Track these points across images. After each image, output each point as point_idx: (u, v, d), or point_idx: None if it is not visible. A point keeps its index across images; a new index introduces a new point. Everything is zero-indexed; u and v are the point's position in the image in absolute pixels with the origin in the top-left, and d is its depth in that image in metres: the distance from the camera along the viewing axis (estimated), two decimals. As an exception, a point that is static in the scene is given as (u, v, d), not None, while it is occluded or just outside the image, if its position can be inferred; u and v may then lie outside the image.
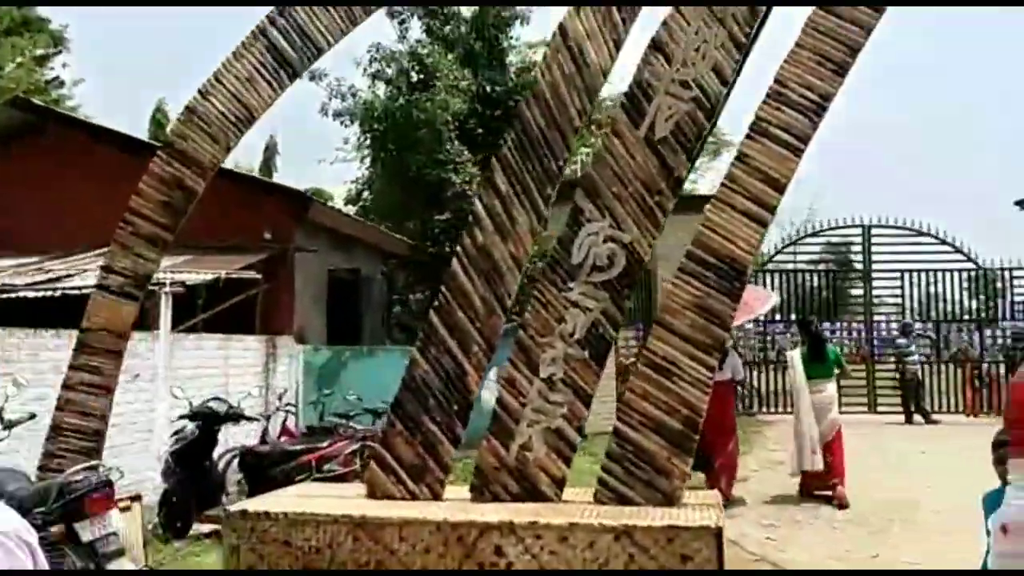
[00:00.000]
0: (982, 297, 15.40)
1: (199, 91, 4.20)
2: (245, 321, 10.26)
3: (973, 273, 15.08)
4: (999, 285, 15.21)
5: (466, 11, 20.69)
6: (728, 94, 3.85)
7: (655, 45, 3.65)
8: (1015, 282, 14.89)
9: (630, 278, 3.62)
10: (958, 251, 15.04)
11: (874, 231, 15.22)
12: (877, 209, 15.34)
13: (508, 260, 3.68)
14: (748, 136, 3.56)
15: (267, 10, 4.04)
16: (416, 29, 19.15)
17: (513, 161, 3.71)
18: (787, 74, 3.56)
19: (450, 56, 18.24)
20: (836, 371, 8.28)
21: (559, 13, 3.78)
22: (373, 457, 3.82)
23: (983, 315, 15.91)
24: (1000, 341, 15.46)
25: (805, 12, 3.60)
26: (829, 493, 7.57)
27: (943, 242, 15.05)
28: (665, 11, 3.66)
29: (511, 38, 21.15)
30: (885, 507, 7.16)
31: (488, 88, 19.69)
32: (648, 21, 3.72)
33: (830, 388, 8.14)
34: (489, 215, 3.71)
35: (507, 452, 3.61)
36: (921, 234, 15.08)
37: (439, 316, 3.73)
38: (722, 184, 3.58)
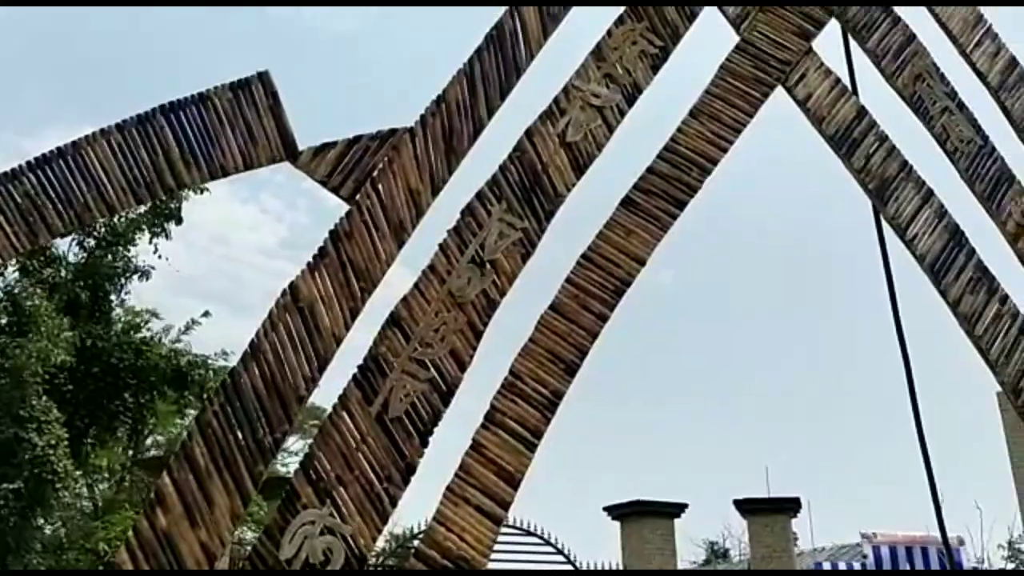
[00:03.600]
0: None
1: None
2: None
3: None
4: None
5: (73, 256, 19.13)
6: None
7: (393, 320, 3.45)
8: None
9: (348, 579, 3.07)
10: (559, 552, 15.93)
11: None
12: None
13: (198, 553, 2.94)
14: (483, 426, 3.40)
15: None
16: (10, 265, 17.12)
17: (218, 429, 3.10)
18: (521, 368, 3.54)
19: (49, 302, 16.44)
20: None
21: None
22: None
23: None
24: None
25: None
26: None
27: (546, 542, 15.88)
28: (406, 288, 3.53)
29: (122, 292, 19.81)
30: None
31: (90, 342, 17.91)
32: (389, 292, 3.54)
33: None
34: (179, 493, 2.99)
35: None
36: (528, 533, 15.81)
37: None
38: (455, 475, 3.30)
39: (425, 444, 3.31)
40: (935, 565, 15.11)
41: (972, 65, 5.13)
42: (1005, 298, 4.43)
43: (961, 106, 4.89)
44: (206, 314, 19.79)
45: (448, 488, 3.28)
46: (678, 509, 16.17)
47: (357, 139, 3.70)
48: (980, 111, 4.97)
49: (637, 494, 16.25)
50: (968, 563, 18.53)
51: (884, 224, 4.78)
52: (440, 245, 3.63)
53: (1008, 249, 4.73)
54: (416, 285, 3.53)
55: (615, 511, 16.43)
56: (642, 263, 3.93)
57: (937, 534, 6.42)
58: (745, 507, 15.77)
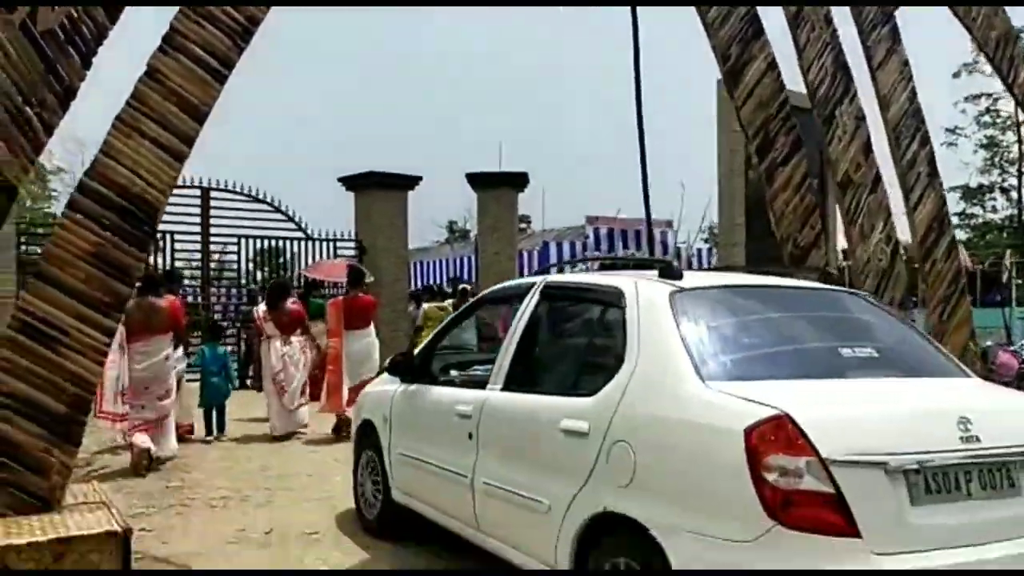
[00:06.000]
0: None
1: None
2: None
3: (304, 242, 16.04)
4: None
5: None
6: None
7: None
8: (340, 250, 16.27)
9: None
10: (290, 219, 15.84)
11: (213, 194, 15.07)
12: (214, 172, 15.05)
13: None
14: (161, 50, 2.94)
15: None
16: None
17: None
18: (209, -12, 3.04)
19: None
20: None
21: None
22: None
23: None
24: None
25: None
26: None
27: (277, 210, 15.67)
28: None
29: None
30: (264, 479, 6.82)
31: None
32: None
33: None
34: None
35: None
36: (257, 200, 15.44)
37: None
38: (127, 104, 2.89)
39: (87, 65, 2.83)
40: (644, 244, 16.77)
41: None
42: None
43: None
44: None
45: (118, 118, 2.88)
46: (412, 181, 16.42)
47: None
48: None
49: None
50: (672, 244, 20.97)
51: None
52: None
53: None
54: None
55: (350, 182, 16.37)
56: None
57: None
58: (477, 180, 16.33)
